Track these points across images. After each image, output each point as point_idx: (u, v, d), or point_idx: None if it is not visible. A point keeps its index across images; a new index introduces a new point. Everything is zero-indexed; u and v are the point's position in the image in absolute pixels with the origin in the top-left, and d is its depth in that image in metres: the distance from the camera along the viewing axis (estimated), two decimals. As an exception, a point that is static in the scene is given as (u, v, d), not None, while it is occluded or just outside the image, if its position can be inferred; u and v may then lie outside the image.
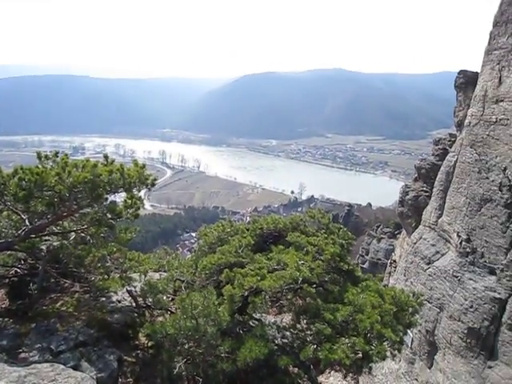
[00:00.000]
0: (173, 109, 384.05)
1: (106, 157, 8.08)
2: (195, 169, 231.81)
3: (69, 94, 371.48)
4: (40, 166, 7.71)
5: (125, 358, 7.73)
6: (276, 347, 7.47)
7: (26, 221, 7.90)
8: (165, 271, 10.32)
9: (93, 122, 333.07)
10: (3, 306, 8.70)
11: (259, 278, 7.31)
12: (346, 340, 6.96)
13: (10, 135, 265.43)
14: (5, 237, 8.09)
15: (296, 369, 7.96)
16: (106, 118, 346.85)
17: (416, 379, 14.47)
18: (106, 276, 8.84)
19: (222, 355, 6.99)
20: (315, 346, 7.13)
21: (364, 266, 50.70)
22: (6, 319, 7.91)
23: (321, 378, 9.40)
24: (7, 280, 9.30)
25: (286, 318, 8.92)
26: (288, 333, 8.02)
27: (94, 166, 7.39)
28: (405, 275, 16.42)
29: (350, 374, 7.79)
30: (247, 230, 9.66)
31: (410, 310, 7.82)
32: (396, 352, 7.66)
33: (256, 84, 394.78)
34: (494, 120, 12.40)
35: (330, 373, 11.47)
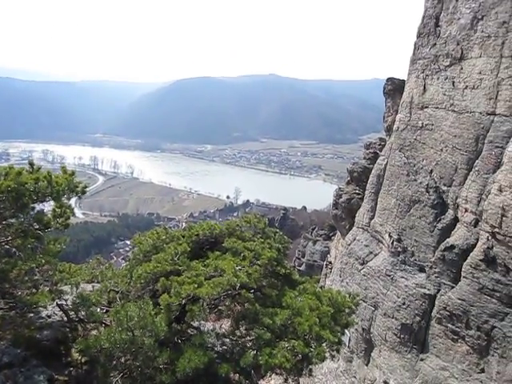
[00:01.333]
0: (104, 113, 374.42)
1: (31, 164, 7.63)
2: (128, 175, 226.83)
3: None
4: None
5: (56, 376, 7.35)
6: (216, 355, 7.37)
7: None
8: (98, 282, 9.95)
9: (18, 126, 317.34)
10: None
11: (196, 286, 7.17)
12: (286, 344, 6.99)
13: None
14: None
15: (237, 375, 7.89)
16: (33, 122, 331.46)
17: (354, 376, 14.83)
18: (34, 290, 8.32)
19: (161, 367, 6.80)
20: (255, 352, 7.10)
21: (301, 268, 51.55)
22: None
23: (262, 383, 9.39)
24: None
25: (225, 325, 8.83)
26: (227, 340, 7.94)
27: (18, 174, 6.94)
28: (340, 276, 16.81)
29: (291, 377, 7.81)
30: (183, 236, 9.48)
31: (347, 310, 7.98)
32: (335, 352, 7.78)
33: (190, 89, 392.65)
34: (420, 125, 12.99)
35: (270, 376, 11.47)
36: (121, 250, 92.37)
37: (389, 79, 17.55)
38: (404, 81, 15.48)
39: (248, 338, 7.66)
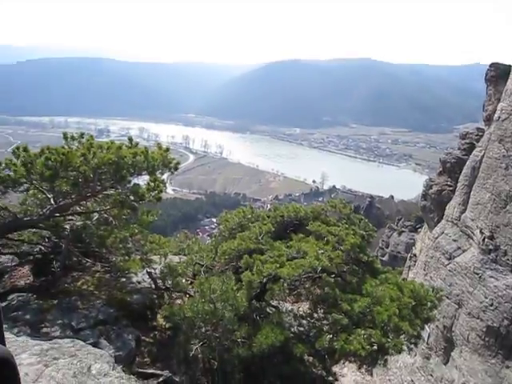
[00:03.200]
0: (198, 94, 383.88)
1: (130, 139, 8.17)
2: (218, 155, 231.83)
3: (95, 77, 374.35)
4: (66, 147, 7.84)
5: (143, 338, 7.86)
6: (292, 335, 7.51)
7: (51, 200, 8.06)
8: (184, 255, 10.42)
9: (118, 104, 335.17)
10: (27, 281, 8.92)
11: (278, 266, 7.33)
12: (363, 331, 6.94)
13: (36, 116, 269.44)
14: (30, 215, 8.29)
15: (311, 358, 7.99)
16: (131, 101, 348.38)
17: (431, 375, 14.37)
18: (126, 257, 8.96)
19: (238, 340, 7.05)
20: (331, 336, 7.14)
21: (383, 258, 50.31)
22: (29, 295, 8.12)
23: (335, 369, 9.39)
24: (32, 257, 9.54)
25: (303, 307, 8.94)
26: (305, 321, 8.04)
27: (118, 148, 7.47)
28: (425, 270, 16.25)
29: (365, 366, 7.77)
30: (268, 217, 9.68)
31: (429, 304, 7.75)
32: (412, 346, 7.62)
33: (281, 71, 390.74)
34: (525, 115, 12.09)
35: (344, 363, 11.41)
36: (206, 227, 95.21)
37: (492, 64, 16.41)
38: (510, 66, 14.42)
39: (325, 321, 7.70)
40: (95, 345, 6.65)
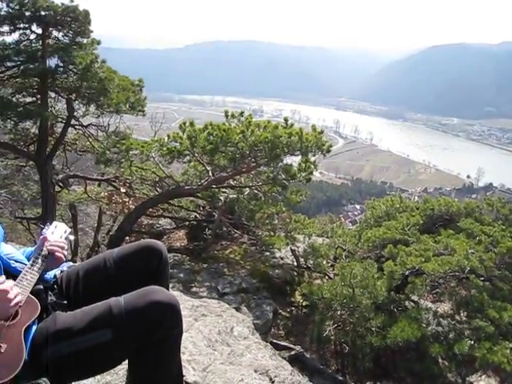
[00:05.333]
0: (351, 78, 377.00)
1: (286, 120, 8.44)
2: (367, 141, 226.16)
3: (253, 60, 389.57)
4: (226, 124, 8.39)
5: (279, 311, 8.14)
6: (429, 333, 7.21)
7: (210, 172, 8.74)
8: (327, 237, 10.51)
9: (272, 86, 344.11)
10: (182, 244, 9.87)
11: (423, 260, 7.05)
12: (510, 344, 6.40)
13: (198, 95, 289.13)
14: (190, 184, 9.10)
15: (446, 361, 7.60)
16: (285, 83, 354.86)
17: None
18: (272, 233, 9.35)
19: (373, 329, 6.97)
20: (472, 343, 6.70)
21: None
22: (183, 256, 8.99)
23: (471, 378, 8.76)
24: (187, 223, 10.49)
25: (443, 307, 8.50)
26: (445, 322, 7.65)
27: (275, 128, 7.78)
28: None
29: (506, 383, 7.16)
30: (417, 208, 9.32)
31: None
32: None
33: (443, 56, 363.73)
34: None
35: (481, 376, 10.57)
36: (349, 213, 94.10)
37: None
38: None
39: (467, 326, 7.24)
40: (237, 310, 7.12)
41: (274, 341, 7.14)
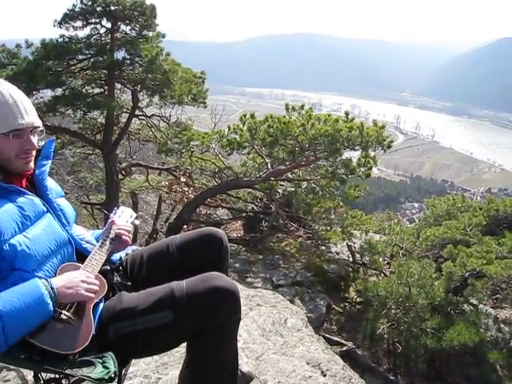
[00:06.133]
0: (414, 73, 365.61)
1: (346, 114, 8.36)
2: (429, 137, 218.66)
3: (313, 53, 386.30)
4: (287, 117, 8.41)
5: (333, 306, 8.11)
6: (488, 339, 6.96)
7: (268, 164, 8.81)
8: (384, 234, 10.35)
9: (331, 80, 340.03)
10: (239, 235, 10.00)
11: (485, 262, 6.79)
12: None
13: (258, 87, 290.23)
14: (249, 176, 9.20)
15: (505, 370, 7.31)
16: (345, 77, 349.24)
17: None
18: (328, 227, 9.30)
19: (428, 330, 6.82)
20: (535, 353, 6.41)
21: None
22: (240, 246, 9.13)
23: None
24: (244, 214, 10.62)
25: (504, 314, 8.17)
26: (506, 328, 7.36)
27: (335, 121, 7.73)
28: None
29: None
30: (480, 209, 8.98)
31: None
32: None
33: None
34: None
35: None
36: (407, 211, 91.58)
37: None
38: None
39: (530, 334, 6.94)
40: (290, 302, 7.16)
41: (327, 335, 7.12)
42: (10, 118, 1.63)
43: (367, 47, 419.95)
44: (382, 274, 8.80)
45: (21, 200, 1.69)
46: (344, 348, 6.97)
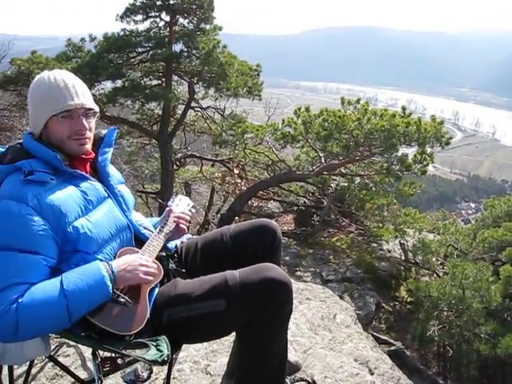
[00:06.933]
0: (475, 66, 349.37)
1: (403, 108, 8.20)
2: (489, 135, 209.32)
3: (367, 46, 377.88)
4: (342, 111, 8.33)
5: (383, 304, 8.00)
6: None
7: (322, 159, 8.76)
8: (438, 234, 10.08)
9: (388, 74, 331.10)
10: (289, 228, 10.02)
11: (553, 266, 6.51)
12: None
13: (312, 81, 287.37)
14: (302, 169, 9.18)
15: None
16: (401, 71, 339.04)
17: None
18: (380, 224, 9.14)
19: (482, 335, 6.60)
20: None
21: None
22: (290, 240, 9.14)
23: None
24: (296, 207, 10.61)
25: None
26: None
27: (392, 116, 7.59)
28: None
29: None
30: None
31: None
32: None
33: None
34: None
35: None
36: (463, 212, 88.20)
37: None
38: None
39: None
40: (340, 298, 7.12)
41: (375, 334, 7.04)
42: (61, 100, 1.70)
43: (426, 39, 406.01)
44: (435, 275, 8.59)
45: (84, 185, 1.76)
46: (392, 348, 6.88)
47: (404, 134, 7.39)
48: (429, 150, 8.00)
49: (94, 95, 1.85)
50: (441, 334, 7.00)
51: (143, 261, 1.74)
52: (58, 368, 2.32)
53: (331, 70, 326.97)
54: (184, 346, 1.92)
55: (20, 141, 1.81)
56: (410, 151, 8.32)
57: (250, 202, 10.73)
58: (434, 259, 8.64)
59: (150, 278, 1.74)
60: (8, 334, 1.47)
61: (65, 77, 1.76)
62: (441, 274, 8.42)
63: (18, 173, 1.65)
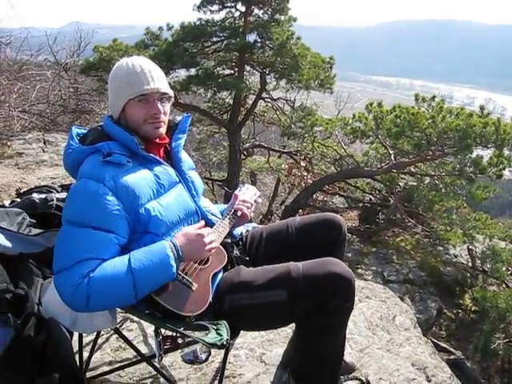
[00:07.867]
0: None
1: (481, 108, 7.84)
2: None
3: (445, 40, 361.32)
4: (415, 107, 8.08)
5: (445, 310, 7.77)
6: None
7: (392, 156, 8.55)
8: (511, 242, 9.60)
9: (465, 71, 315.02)
10: (353, 225, 9.90)
11: None
12: None
13: (384, 76, 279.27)
14: (370, 166, 9.02)
15: None
16: (480, 68, 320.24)
17: None
18: (448, 227, 8.82)
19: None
20: None
21: None
22: (353, 237, 9.03)
23: None
24: (361, 204, 10.46)
25: None
26: None
27: (468, 116, 7.27)
28: None
29: None
30: None
31: None
32: None
33: None
34: None
35: None
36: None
37: None
38: None
39: None
40: (400, 300, 6.97)
41: (434, 340, 6.86)
42: (138, 84, 1.77)
43: (507, 34, 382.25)
44: (504, 285, 8.23)
45: (157, 169, 1.84)
46: (452, 356, 6.68)
47: (481, 135, 7.05)
48: (506, 152, 7.60)
49: (168, 83, 1.93)
50: (506, 348, 6.74)
51: (206, 233, 1.76)
52: (122, 341, 2.44)
53: (405, 64, 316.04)
54: (241, 332, 1.96)
55: (100, 123, 1.91)
56: (486, 153, 7.93)
57: (314, 195, 10.69)
58: (503, 268, 8.26)
59: (212, 248, 1.77)
60: (79, 305, 1.56)
61: (141, 62, 1.83)
62: (510, 285, 8.05)
63: (97, 154, 1.74)
